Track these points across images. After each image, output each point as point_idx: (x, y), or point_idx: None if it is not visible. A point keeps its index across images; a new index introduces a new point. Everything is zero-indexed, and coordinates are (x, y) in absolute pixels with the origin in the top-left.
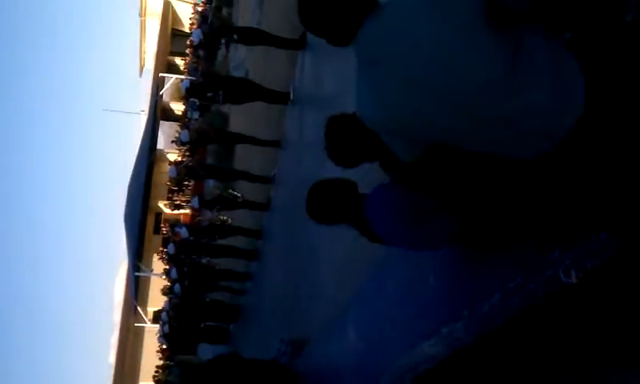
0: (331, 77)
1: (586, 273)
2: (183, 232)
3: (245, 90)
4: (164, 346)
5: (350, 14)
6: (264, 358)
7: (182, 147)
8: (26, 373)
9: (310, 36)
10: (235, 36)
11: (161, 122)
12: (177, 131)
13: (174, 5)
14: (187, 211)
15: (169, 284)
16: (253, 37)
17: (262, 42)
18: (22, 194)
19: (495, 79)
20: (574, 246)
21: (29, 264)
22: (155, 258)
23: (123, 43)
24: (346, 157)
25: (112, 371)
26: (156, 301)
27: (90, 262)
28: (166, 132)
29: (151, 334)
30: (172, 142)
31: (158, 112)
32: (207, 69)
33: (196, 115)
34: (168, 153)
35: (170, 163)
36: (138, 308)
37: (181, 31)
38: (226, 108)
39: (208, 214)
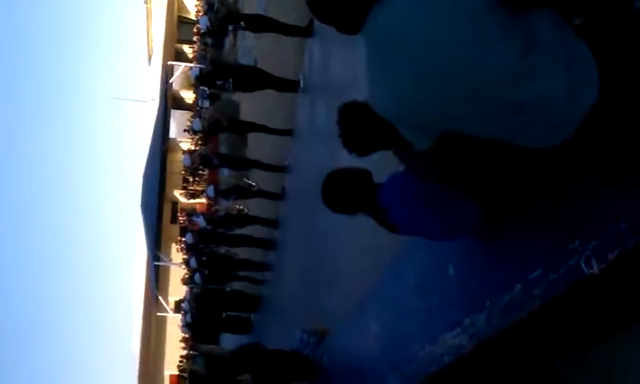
0: (340, 64)
1: (608, 264)
2: (201, 221)
3: (254, 78)
4: (187, 336)
5: (359, 1)
6: (286, 349)
7: (194, 136)
8: (50, 365)
9: (317, 23)
10: (242, 23)
11: (172, 110)
12: (188, 120)
13: None
14: (203, 200)
15: (189, 273)
16: (260, 24)
17: (269, 29)
18: (29, 186)
19: (506, 66)
20: (594, 236)
21: (43, 254)
22: (174, 247)
23: (129, 31)
24: (360, 145)
25: (137, 361)
26: (177, 290)
27: (107, 251)
28: (178, 120)
29: (174, 323)
30: (184, 130)
31: (169, 100)
32: (216, 57)
33: (206, 104)
34: (181, 142)
35: (184, 152)
36: (159, 297)
37: (187, 18)
38: (236, 96)
39: (224, 204)
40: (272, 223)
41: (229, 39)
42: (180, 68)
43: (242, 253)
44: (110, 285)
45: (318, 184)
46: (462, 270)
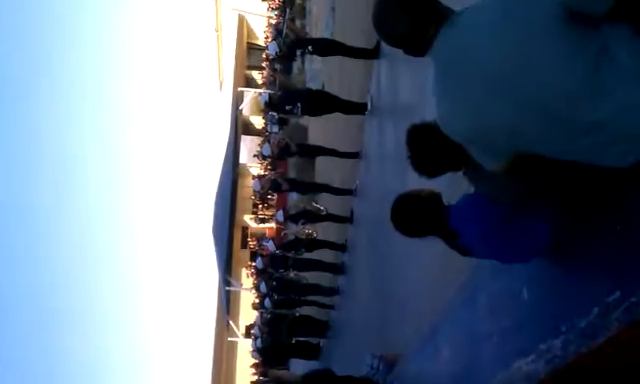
0: (408, 86)
1: None
2: (270, 246)
3: (322, 102)
4: (257, 361)
5: (426, 25)
6: (356, 375)
7: (264, 161)
8: None
9: (384, 45)
10: (310, 48)
11: (242, 136)
12: (258, 145)
13: (247, 19)
14: (272, 225)
15: (259, 298)
16: (327, 48)
17: (336, 52)
18: (104, 216)
19: (579, 81)
20: None
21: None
22: (244, 272)
23: (201, 58)
24: (429, 166)
25: None
26: (247, 315)
27: (175, 275)
28: (248, 146)
29: (244, 348)
30: (254, 155)
31: (239, 126)
32: (284, 82)
33: (275, 129)
34: (251, 167)
35: (254, 177)
36: (231, 322)
37: (256, 45)
38: (304, 120)
39: (293, 228)
40: (341, 247)
41: (297, 64)
42: (249, 94)
43: (311, 277)
44: (183, 310)
45: (386, 207)
46: (536, 294)
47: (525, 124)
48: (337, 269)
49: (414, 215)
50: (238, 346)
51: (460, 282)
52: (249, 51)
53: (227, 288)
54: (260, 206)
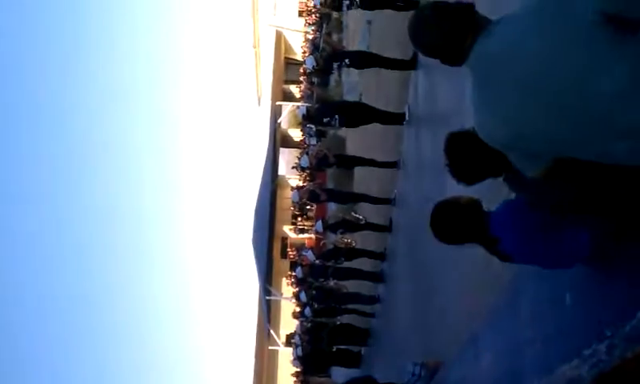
0: (446, 95)
1: None
2: (310, 255)
3: (360, 114)
4: (298, 369)
5: (463, 34)
6: (397, 382)
7: (302, 173)
8: None
9: (421, 56)
10: (347, 60)
11: (281, 148)
12: (297, 157)
13: (285, 34)
14: (311, 236)
15: (299, 307)
16: (364, 60)
17: (373, 64)
18: (149, 228)
19: (614, 89)
20: None
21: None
22: (284, 281)
23: (239, 74)
24: (468, 173)
25: None
26: (288, 324)
27: (216, 286)
28: (287, 158)
29: (285, 357)
30: (292, 167)
31: (278, 139)
32: (322, 95)
33: (314, 141)
34: (290, 178)
35: (292, 188)
36: (271, 331)
37: (293, 59)
38: (342, 132)
39: (332, 237)
40: (380, 256)
41: (334, 77)
42: (287, 107)
43: (350, 286)
44: (224, 319)
45: (425, 215)
46: (579, 299)
47: (562, 129)
48: (376, 277)
49: (454, 222)
50: (279, 354)
51: (499, 288)
52: (286, 66)
53: (268, 297)
54: (299, 217)
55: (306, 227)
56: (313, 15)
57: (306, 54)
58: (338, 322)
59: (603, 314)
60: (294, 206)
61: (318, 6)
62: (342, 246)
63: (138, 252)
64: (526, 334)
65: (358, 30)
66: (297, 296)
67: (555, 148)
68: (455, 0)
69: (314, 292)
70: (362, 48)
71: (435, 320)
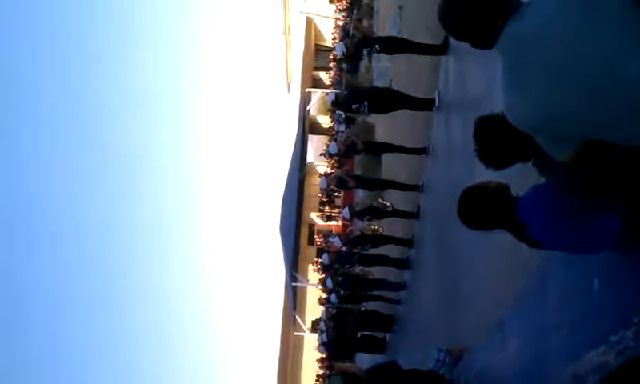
0: (476, 80)
1: None
2: (336, 242)
3: (389, 100)
4: (323, 355)
5: (493, 17)
6: (422, 368)
7: (330, 159)
8: None
9: (452, 40)
10: (377, 46)
11: (309, 135)
12: (325, 144)
13: (315, 21)
14: (338, 223)
15: (325, 293)
16: (395, 46)
17: (403, 49)
18: (173, 223)
19: None
20: None
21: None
22: (310, 268)
23: (269, 61)
24: (497, 158)
25: (275, 380)
26: (313, 310)
27: (243, 272)
28: (315, 145)
29: (310, 342)
30: (320, 154)
31: (307, 126)
32: (351, 81)
33: (342, 127)
34: (318, 165)
35: (320, 175)
36: (297, 317)
37: (323, 46)
38: (371, 118)
39: (359, 224)
40: (407, 242)
41: (364, 63)
42: (317, 94)
43: (377, 272)
44: (251, 305)
45: (453, 201)
46: (607, 285)
47: (591, 112)
48: (403, 264)
49: (482, 208)
50: (304, 340)
51: (527, 274)
52: (316, 53)
53: (294, 284)
54: (326, 204)
55: (333, 214)
56: (343, 1)
57: (336, 41)
58: (364, 309)
59: (631, 300)
60: (321, 193)
61: None
62: (369, 232)
63: (166, 238)
64: (553, 320)
65: (389, 15)
66: (323, 282)
67: (584, 130)
68: None
69: (339, 278)
70: (393, 33)
71: (462, 307)
